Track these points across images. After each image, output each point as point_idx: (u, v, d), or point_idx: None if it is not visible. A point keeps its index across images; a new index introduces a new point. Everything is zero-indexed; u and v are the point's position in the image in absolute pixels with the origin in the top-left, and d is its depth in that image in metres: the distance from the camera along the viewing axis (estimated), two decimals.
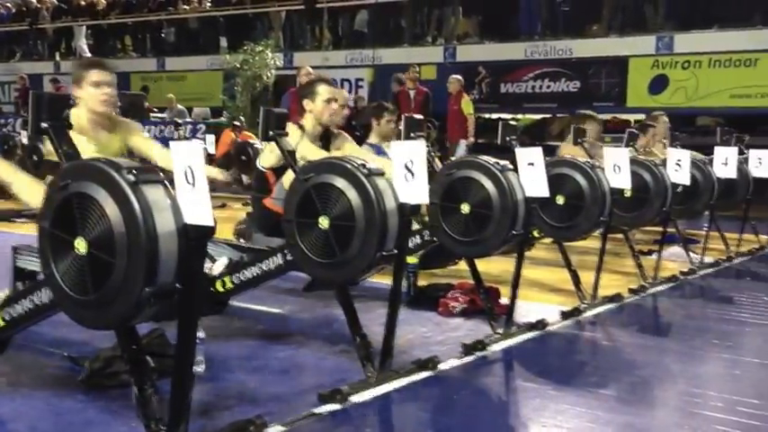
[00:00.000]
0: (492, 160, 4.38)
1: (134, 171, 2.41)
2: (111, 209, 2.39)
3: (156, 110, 15.63)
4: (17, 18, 21.33)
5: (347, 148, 4.84)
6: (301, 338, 4.46)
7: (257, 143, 10.42)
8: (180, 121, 11.78)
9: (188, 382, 2.64)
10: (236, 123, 12.85)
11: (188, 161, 2.42)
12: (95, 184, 2.43)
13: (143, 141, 4.22)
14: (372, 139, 5.91)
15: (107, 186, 2.40)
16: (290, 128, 4.28)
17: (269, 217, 4.62)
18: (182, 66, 17.98)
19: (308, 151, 4.40)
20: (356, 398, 3.44)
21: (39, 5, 20.90)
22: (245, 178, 6.77)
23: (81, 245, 2.46)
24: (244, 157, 9.37)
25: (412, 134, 4.30)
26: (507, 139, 4.76)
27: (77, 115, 3.86)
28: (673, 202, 6.00)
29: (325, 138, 4.86)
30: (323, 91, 4.77)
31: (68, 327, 3.83)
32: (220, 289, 4.06)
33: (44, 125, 2.75)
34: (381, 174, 3.56)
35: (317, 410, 3.30)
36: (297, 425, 3.16)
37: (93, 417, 3.16)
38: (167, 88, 16.80)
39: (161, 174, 2.53)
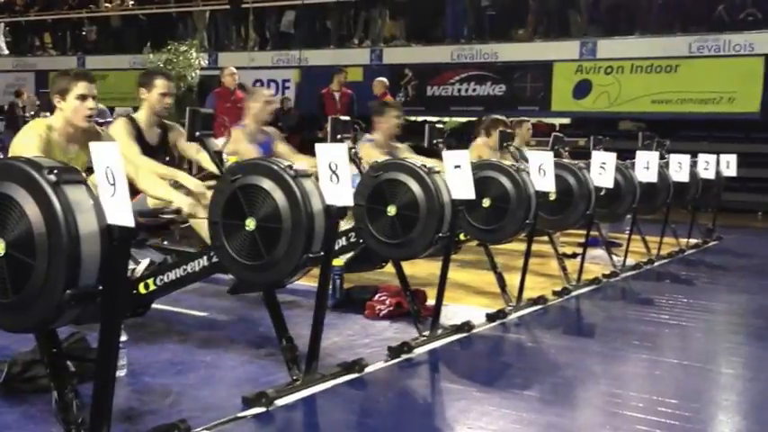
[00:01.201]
0: (418, 162, 4.42)
1: (55, 171, 2.34)
2: (31, 209, 2.33)
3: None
4: None
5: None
6: (226, 342, 4.41)
7: None
8: (101, 120, 11.47)
9: (110, 386, 2.58)
10: None
11: (108, 161, 2.37)
12: (15, 183, 2.35)
13: None
14: (376, 136, 5.84)
15: (27, 186, 2.34)
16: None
17: None
18: (103, 64, 17.53)
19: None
20: (281, 401, 3.43)
21: None
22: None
23: None
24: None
25: (339, 135, 4.30)
26: (434, 141, 4.81)
27: (48, 126, 3.82)
28: (596, 205, 6.14)
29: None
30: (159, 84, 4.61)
31: None
32: (143, 291, 3.95)
33: None
34: (308, 175, 3.55)
35: (241, 414, 3.27)
36: (221, 428, 3.14)
37: (11, 422, 3.07)
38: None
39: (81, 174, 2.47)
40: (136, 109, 4.87)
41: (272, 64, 16.06)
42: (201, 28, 16.99)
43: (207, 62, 15.50)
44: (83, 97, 3.81)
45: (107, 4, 18.34)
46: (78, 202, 2.36)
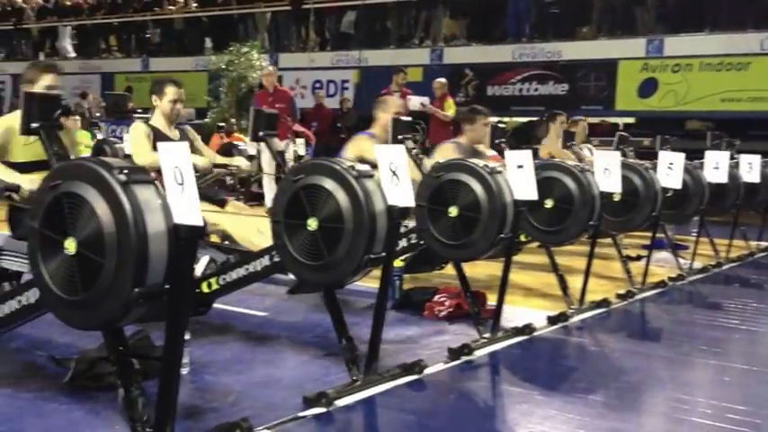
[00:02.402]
0: (481, 163, 4.37)
1: (125, 171, 2.38)
2: (101, 208, 2.36)
3: (139, 110, 15.49)
4: (1, 18, 21.13)
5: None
6: (286, 341, 4.43)
7: (242, 145, 10.39)
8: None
9: (175, 384, 2.60)
10: (221, 125, 12.79)
11: (176, 161, 2.39)
12: (86, 183, 2.39)
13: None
14: (462, 140, 5.72)
15: (98, 186, 2.37)
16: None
17: None
18: (166, 66, 17.85)
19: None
20: (341, 401, 3.42)
21: (24, 5, 20.71)
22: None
23: (70, 245, 2.42)
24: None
25: (400, 136, 4.29)
26: (497, 141, 4.76)
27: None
28: (662, 206, 6.00)
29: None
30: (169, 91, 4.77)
31: (53, 328, 3.83)
32: (206, 290, 4.02)
33: (35, 125, 2.71)
34: (371, 176, 3.54)
35: (302, 414, 3.28)
36: (282, 428, 3.14)
37: (77, 418, 3.12)
38: None
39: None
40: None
41: (332, 64, 16.13)
42: (263, 29, 17.18)
43: (267, 63, 15.66)
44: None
45: (171, 7, 18.68)
46: (147, 202, 2.39)
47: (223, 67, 14.68)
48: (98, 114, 15.40)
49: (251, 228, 4.69)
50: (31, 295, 2.76)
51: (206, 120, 14.98)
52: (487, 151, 5.76)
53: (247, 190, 10.43)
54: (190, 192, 2.37)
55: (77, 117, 10.59)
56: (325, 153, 11.38)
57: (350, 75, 15.87)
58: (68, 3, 19.92)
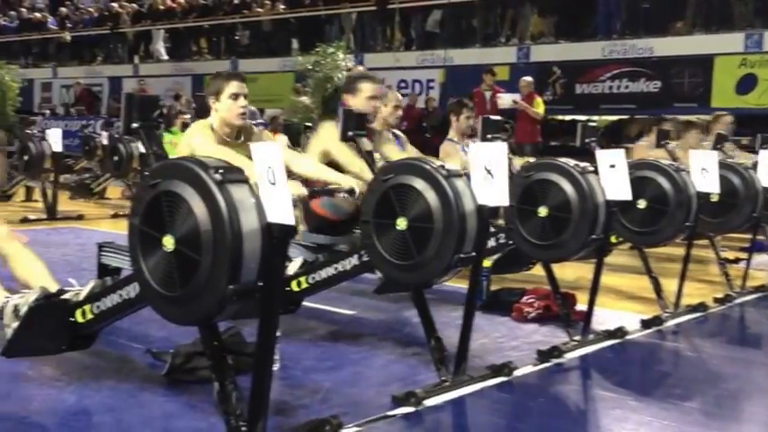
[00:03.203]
0: (572, 162, 4.29)
1: (221, 170, 2.43)
2: (198, 207, 2.42)
3: None
4: (100, 22, 21.96)
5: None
6: (373, 340, 4.44)
7: None
8: (253, 122, 11.92)
9: (267, 380, 2.64)
10: (308, 125, 12.95)
11: (269, 162, 2.43)
12: (184, 182, 2.45)
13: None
14: (452, 135, 5.87)
15: (195, 185, 2.43)
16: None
17: (314, 218, 4.64)
18: (254, 67, 18.18)
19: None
20: (430, 401, 3.41)
21: (120, 10, 21.48)
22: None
23: (168, 242, 2.49)
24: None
25: (489, 135, 4.24)
26: (587, 140, 4.66)
27: (209, 126, 3.99)
28: (763, 207, 5.76)
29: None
30: (365, 88, 4.59)
31: (149, 323, 3.96)
32: (296, 288, 4.07)
33: (135, 125, 2.80)
34: (460, 175, 3.51)
35: (390, 413, 3.28)
36: (371, 426, 3.15)
37: (174, 410, 3.21)
38: None
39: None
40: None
41: (417, 64, 16.12)
42: (348, 29, 17.32)
43: (353, 63, 15.78)
44: (235, 96, 3.93)
45: (259, 9, 19.04)
46: (241, 201, 2.43)
47: (309, 67, 14.87)
48: (188, 116, 15.83)
49: None
50: (132, 290, 2.84)
51: (293, 119, 15.22)
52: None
53: None
54: (282, 191, 2.39)
55: (188, 116, 10.91)
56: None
57: (435, 74, 15.83)
58: (162, 7, 20.54)
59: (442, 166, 3.48)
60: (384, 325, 4.84)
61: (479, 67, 12.07)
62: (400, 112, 4.96)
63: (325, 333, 4.54)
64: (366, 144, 3.82)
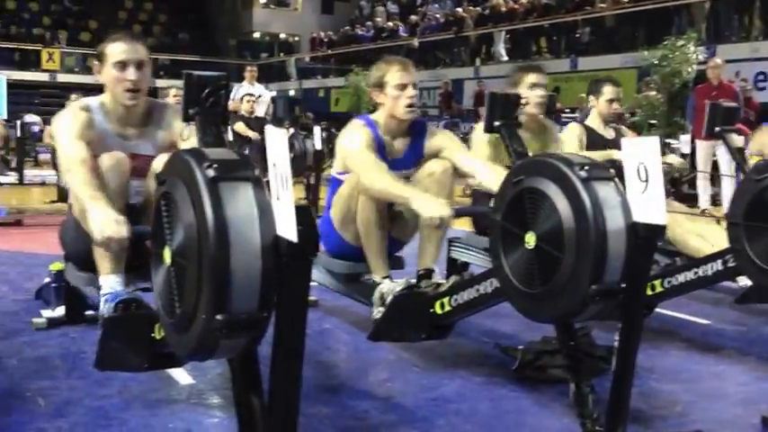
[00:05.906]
0: None
1: (586, 167, 2.37)
2: (561, 205, 2.39)
3: (567, 110, 15.70)
4: (445, 27, 23.08)
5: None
6: (734, 353, 4.08)
7: (676, 143, 9.94)
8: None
9: (628, 387, 2.55)
10: (653, 122, 12.40)
11: (642, 157, 2.31)
12: (548, 179, 2.44)
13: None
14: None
15: (559, 182, 2.41)
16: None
17: None
18: (593, 65, 17.80)
19: None
20: None
21: (464, 14, 22.36)
22: None
23: (530, 239, 2.49)
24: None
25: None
26: None
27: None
28: None
29: None
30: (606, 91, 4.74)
31: (498, 318, 4.04)
32: (649, 292, 3.87)
33: (497, 124, 2.85)
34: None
35: None
36: None
37: (525, 407, 3.22)
38: (578, 88, 16.78)
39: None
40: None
41: None
42: (700, 20, 16.22)
43: (704, 56, 14.75)
44: (533, 86, 3.79)
45: (602, 5, 18.61)
46: (606, 199, 2.36)
47: (655, 62, 14.19)
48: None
49: (689, 230, 4.44)
50: (489, 285, 2.89)
51: (636, 117, 14.65)
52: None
53: (678, 190, 9.92)
54: (655, 189, 2.27)
55: None
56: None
57: None
58: (504, 9, 20.99)
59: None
60: (744, 338, 4.42)
61: None
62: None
63: (679, 342, 4.27)
64: (735, 140, 3.50)
